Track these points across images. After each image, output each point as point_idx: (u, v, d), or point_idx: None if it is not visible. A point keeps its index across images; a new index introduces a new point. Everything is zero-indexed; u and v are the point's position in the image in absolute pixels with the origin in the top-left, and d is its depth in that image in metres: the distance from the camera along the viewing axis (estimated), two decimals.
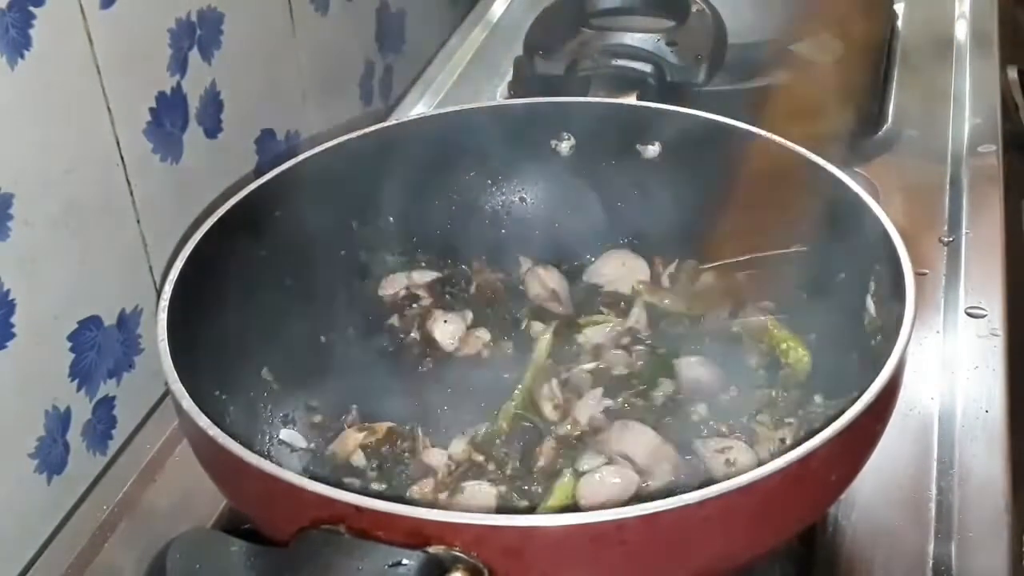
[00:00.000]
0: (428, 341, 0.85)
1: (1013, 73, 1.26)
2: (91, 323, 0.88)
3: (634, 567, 0.57)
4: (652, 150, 0.89)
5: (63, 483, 0.87)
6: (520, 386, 0.79)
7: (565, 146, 0.91)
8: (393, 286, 0.89)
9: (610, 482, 0.71)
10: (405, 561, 0.53)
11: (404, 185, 0.89)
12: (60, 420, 0.86)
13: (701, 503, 0.55)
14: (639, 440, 0.74)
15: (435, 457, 0.76)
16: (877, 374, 0.62)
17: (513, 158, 0.92)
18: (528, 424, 0.78)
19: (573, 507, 0.71)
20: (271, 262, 0.82)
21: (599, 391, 0.79)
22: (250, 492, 0.62)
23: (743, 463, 0.72)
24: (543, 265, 0.90)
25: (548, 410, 0.78)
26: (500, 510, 0.72)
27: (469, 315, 0.87)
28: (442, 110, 1.02)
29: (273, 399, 0.80)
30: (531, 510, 0.72)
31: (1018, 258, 0.98)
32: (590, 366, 0.82)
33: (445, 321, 0.85)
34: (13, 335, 0.81)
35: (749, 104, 1.13)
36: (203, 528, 0.77)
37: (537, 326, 0.86)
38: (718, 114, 0.85)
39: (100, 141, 0.88)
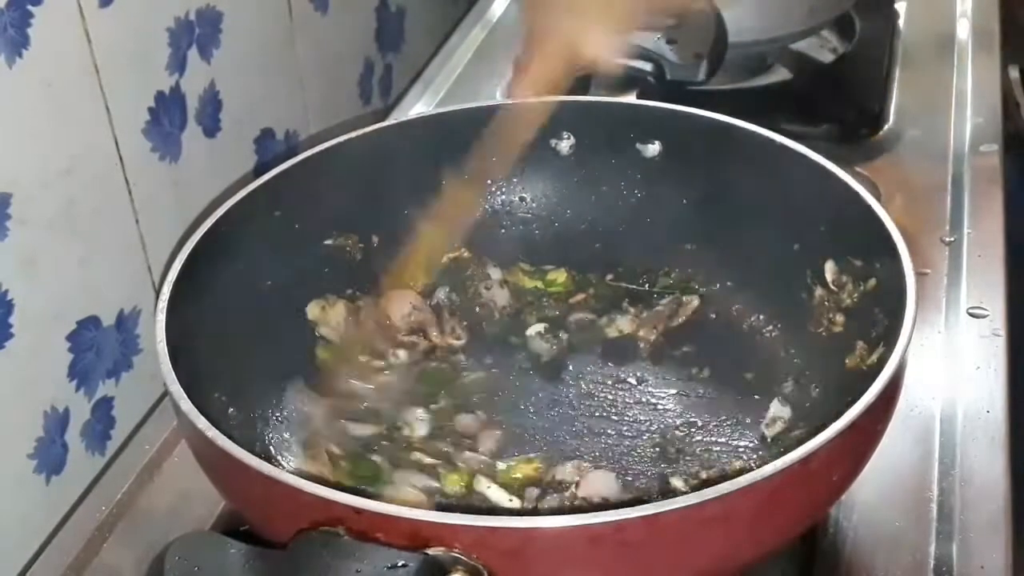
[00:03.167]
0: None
1: (1015, 72, 1.26)
2: (90, 323, 0.88)
3: (634, 568, 0.57)
4: (652, 149, 0.89)
5: (62, 483, 0.87)
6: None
7: (565, 145, 0.91)
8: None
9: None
10: (405, 563, 0.53)
11: (403, 185, 0.89)
12: (59, 420, 0.86)
13: (702, 504, 0.55)
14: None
15: None
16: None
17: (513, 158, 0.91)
18: None
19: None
20: (270, 262, 0.82)
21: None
22: (249, 494, 0.62)
23: None
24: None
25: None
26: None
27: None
28: (442, 109, 1.02)
29: (272, 400, 0.80)
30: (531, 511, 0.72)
31: (1020, 258, 0.98)
32: None
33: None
34: (11, 335, 0.81)
35: (750, 103, 1.14)
36: (202, 530, 0.77)
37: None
38: (718, 113, 0.85)
39: (99, 140, 0.87)
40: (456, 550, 0.54)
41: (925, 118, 1.15)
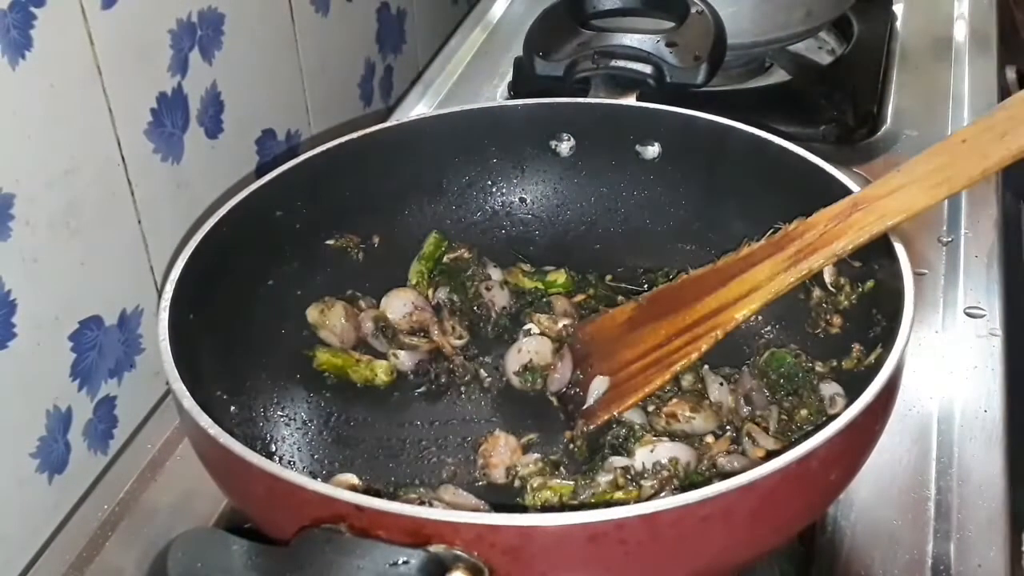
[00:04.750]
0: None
1: (1012, 73, 1.27)
2: (92, 323, 0.89)
3: (634, 567, 0.57)
4: (652, 151, 0.90)
5: (64, 482, 0.87)
6: None
7: (565, 147, 0.92)
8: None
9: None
10: (406, 560, 0.53)
11: (404, 185, 0.89)
12: (61, 420, 0.87)
13: (700, 503, 0.55)
14: None
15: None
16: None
17: (513, 158, 0.92)
18: None
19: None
20: (272, 262, 0.82)
21: None
22: (251, 491, 0.62)
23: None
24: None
25: None
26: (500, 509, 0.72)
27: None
28: (442, 110, 1.02)
29: (274, 398, 0.80)
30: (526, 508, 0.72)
31: (1016, 258, 0.98)
32: None
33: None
34: (14, 335, 0.81)
35: (748, 104, 1.14)
36: (205, 527, 0.77)
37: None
38: (717, 115, 0.86)
39: (101, 141, 0.88)
40: (457, 547, 0.54)
41: (923, 119, 1.15)
